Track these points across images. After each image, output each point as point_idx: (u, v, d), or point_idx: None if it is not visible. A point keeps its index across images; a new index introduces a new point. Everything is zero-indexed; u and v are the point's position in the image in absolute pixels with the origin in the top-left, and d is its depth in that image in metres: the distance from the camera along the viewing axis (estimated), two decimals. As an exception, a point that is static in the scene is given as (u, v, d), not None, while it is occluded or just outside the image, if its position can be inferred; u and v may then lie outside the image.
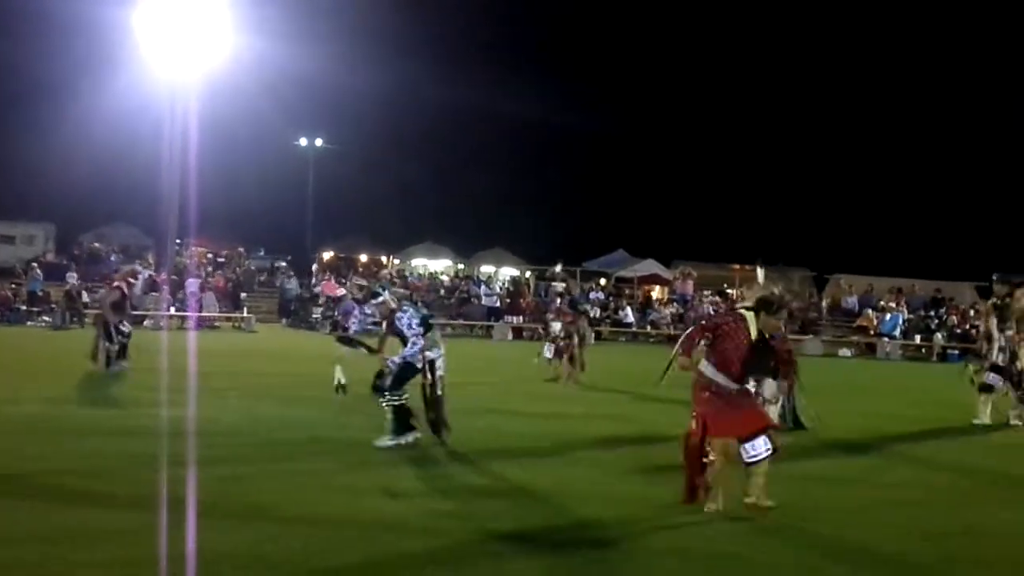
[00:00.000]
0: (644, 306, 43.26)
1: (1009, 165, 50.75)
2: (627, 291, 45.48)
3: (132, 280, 22.80)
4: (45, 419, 12.58)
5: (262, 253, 52.01)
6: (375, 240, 51.67)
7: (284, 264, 49.19)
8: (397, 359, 11.52)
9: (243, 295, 38.19)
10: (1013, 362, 15.56)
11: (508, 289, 42.24)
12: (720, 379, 8.53)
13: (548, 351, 20.25)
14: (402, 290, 11.33)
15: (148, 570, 6.52)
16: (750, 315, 8.63)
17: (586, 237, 53.44)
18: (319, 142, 54.36)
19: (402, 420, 11.30)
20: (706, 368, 8.58)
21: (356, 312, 12.74)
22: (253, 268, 45.76)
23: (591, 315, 34.72)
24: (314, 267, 46.04)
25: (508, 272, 49.49)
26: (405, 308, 11.83)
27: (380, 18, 50.09)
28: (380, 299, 11.99)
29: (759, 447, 8.34)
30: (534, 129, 56.38)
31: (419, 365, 11.46)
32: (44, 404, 13.84)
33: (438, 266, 51.23)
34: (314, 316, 36.54)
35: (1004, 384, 15.61)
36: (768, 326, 8.62)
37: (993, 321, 15.80)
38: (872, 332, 37.48)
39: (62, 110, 44.13)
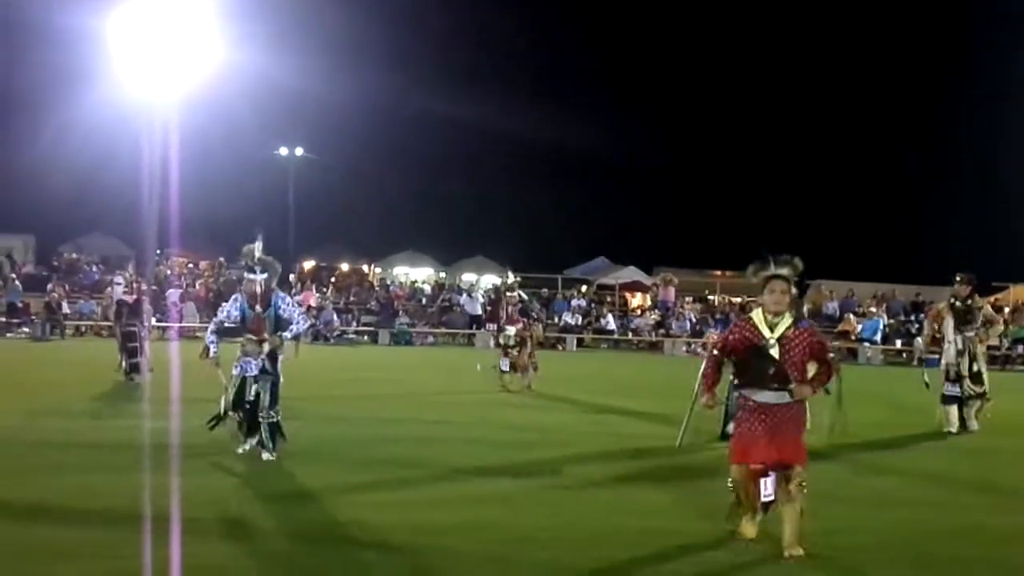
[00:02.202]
0: (625, 313, 43.37)
1: (989, 171, 50.98)
2: (608, 298, 45.56)
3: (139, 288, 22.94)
4: (25, 431, 12.53)
5: (243, 263, 51.81)
6: (356, 249, 51.66)
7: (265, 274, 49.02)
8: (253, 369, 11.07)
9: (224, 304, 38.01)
10: (971, 364, 15.38)
11: (490, 297, 42.25)
12: (748, 392, 7.75)
13: (504, 364, 20.23)
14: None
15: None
16: (757, 311, 7.80)
17: (567, 245, 53.51)
18: (299, 151, 54.26)
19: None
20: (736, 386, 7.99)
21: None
22: (234, 278, 45.58)
23: (544, 320, 34.96)
24: (291, 277, 45.94)
25: (490, 280, 49.50)
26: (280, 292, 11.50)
27: (360, 29, 50.02)
28: (259, 275, 11.36)
29: (770, 487, 7.55)
30: (515, 138, 56.25)
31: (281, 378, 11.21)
32: (24, 417, 13.77)
33: (419, 275, 51.21)
34: (295, 325, 36.44)
35: (964, 390, 15.36)
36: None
37: (950, 323, 15.55)
38: (853, 337, 37.59)
39: (39, 120, 43.92)
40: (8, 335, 32.63)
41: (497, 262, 50.27)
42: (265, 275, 11.06)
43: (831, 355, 7.78)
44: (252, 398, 10.90)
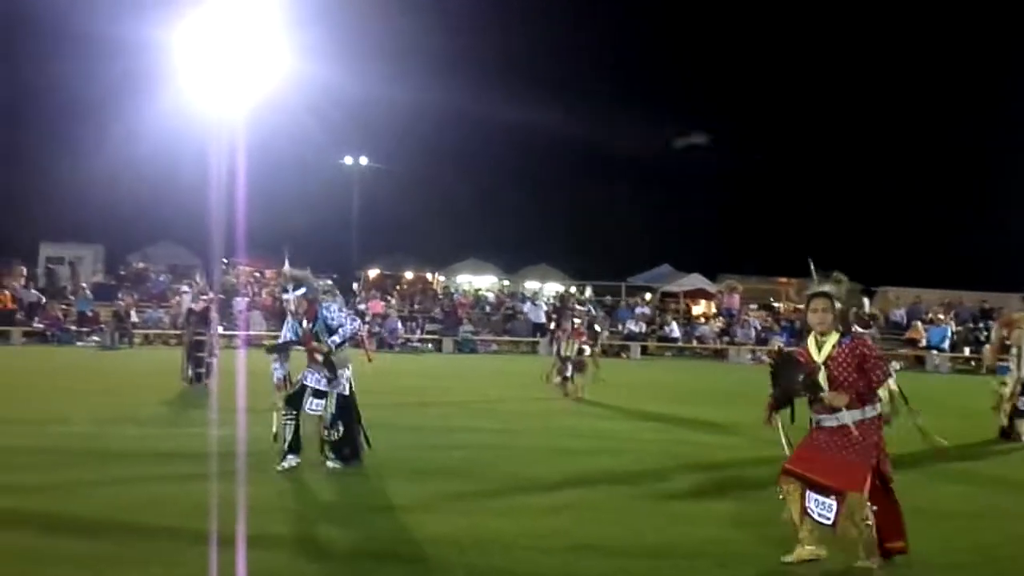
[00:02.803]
0: (689, 320, 43.12)
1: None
2: (672, 306, 45.34)
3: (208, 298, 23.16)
4: (94, 439, 12.67)
5: (308, 271, 52.13)
6: (420, 258, 51.87)
7: (330, 282, 49.29)
8: (314, 382, 10.97)
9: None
10: None
11: (554, 305, 42.18)
12: (812, 413, 7.59)
13: (567, 372, 20.30)
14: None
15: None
16: (812, 334, 7.65)
17: (631, 252, 53.32)
18: (364, 160, 54.54)
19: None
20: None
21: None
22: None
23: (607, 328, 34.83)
24: (355, 285, 46.16)
25: (553, 288, 49.48)
26: (329, 299, 11.46)
27: (423, 38, 50.24)
28: (299, 292, 11.23)
29: (823, 507, 7.23)
30: (578, 144, 56.39)
31: (347, 392, 11.07)
32: (94, 424, 13.93)
33: (483, 283, 51.31)
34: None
35: None
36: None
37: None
38: (920, 344, 37.09)
39: (110, 131, 44.53)
40: (78, 343, 33.02)
41: (560, 270, 50.36)
42: (300, 291, 11.03)
43: (879, 361, 7.47)
44: (310, 410, 10.91)
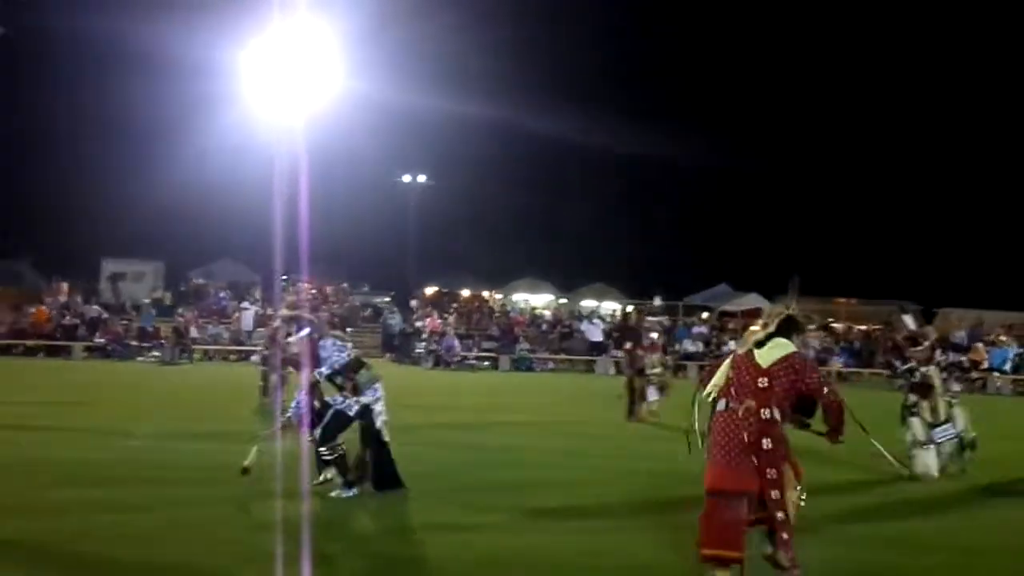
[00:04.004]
0: (748, 340, 42.79)
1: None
2: (730, 325, 45.04)
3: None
4: (156, 453, 12.80)
5: (366, 289, 52.44)
6: (477, 275, 51.95)
7: (387, 299, 49.53)
8: (334, 402, 10.70)
9: (348, 330, 38.59)
10: None
11: (616, 323, 42.04)
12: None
13: (652, 394, 19.57)
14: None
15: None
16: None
17: (688, 271, 53.08)
18: (421, 178, 54.78)
19: (345, 470, 10.63)
20: None
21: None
22: (357, 303, 46.18)
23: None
24: (413, 303, 46.31)
25: (609, 306, 49.36)
26: (327, 337, 10.99)
27: (481, 56, 50.48)
28: (304, 332, 10.94)
29: None
30: (635, 163, 56.32)
31: (351, 413, 10.66)
32: (154, 439, 14.07)
33: (539, 301, 51.27)
34: (417, 351, 36.86)
35: None
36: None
37: None
38: (982, 367, 36.57)
39: (171, 149, 45.13)
40: (139, 359, 33.39)
41: (617, 288, 50.22)
42: (304, 332, 10.94)
43: None
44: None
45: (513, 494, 10.93)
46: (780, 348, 7.34)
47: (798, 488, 7.36)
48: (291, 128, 31.11)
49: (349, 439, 10.72)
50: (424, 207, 55.26)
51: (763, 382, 7.23)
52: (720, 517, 7.10)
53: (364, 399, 10.67)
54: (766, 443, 7.14)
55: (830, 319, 46.90)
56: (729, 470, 7.16)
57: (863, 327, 44.16)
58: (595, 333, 39.22)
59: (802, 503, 7.42)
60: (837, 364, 38.16)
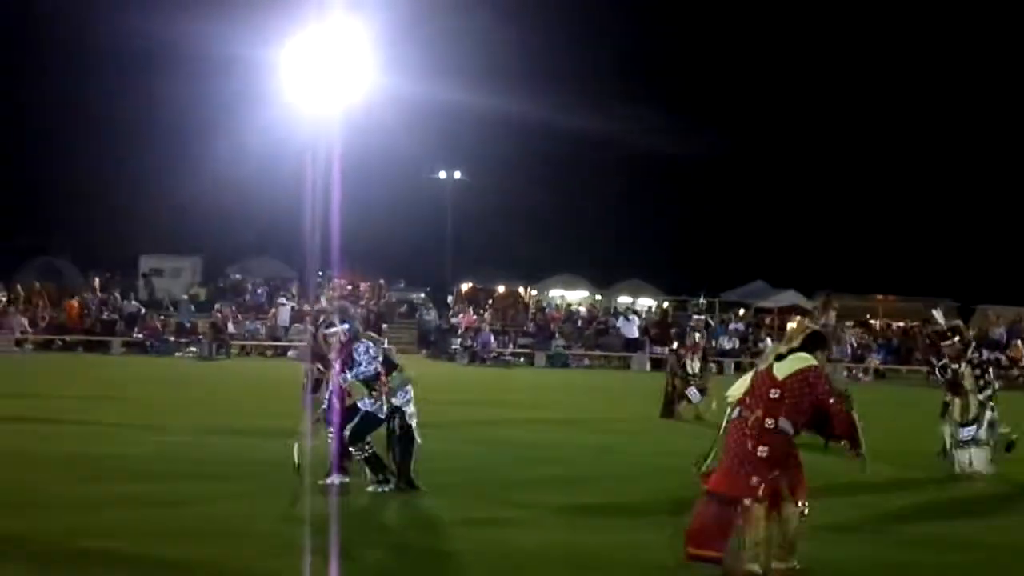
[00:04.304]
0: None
1: None
2: (767, 321, 44.78)
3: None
4: (193, 448, 12.85)
5: (402, 285, 52.54)
6: (512, 272, 51.91)
7: (423, 296, 49.63)
8: (364, 405, 10.51)
9: (384, 326, 38.74)
10: None
11: (654, 319, 41.89)
12: None
13: (694, 395, 19.29)
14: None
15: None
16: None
17: (725, 268, 52.80)
18: (457, 175, 54.79)
19: (378, 467, 10.54)
20: None
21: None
22: (393, 300, 46.25)
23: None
24: (448, 299, 46.33)
25: (645, 303, 49.22)
26: (363, 340, 10.84)
27: (516, 52, 50.47)
28: (333, 330, 10.84)
29: None
30: (673, 160, 56.06)
31: (381, 415, 10.53)
32: (192, 434, 14.12)
33: (575, 297, 51.18)
34: (452, 347, 36.88)
35: None
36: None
37: None
38: (1022, 364, 36.21)
39: (209, 146, 45.41)
40: (176, 354, 33.57)
41: (653, 285, 50.08)
42: (346, 326, 10.86)
43: None
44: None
45: (549, 490, 10.91)
46: (799, 362, 7.45)
47: (800, 504, 7.38)
48: (327, 125, 31.21)
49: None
50: (459, 203, 55.30)
51: (775, 393, 7.37)
52: (706, 515, 7.34)
53: (395, 401, 10.59)
54: (762, 451, 7.26)
55: (868, 316, 46.62)
56: (729, 476, 7.32)
57: (901, 324, 43.86)
58: (631, 330, 39.09)
59: (804, 515, 7.42)
60: (875, 361, 37.95)
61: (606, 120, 51.31)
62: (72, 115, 48.93)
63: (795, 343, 7.59)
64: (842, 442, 7.52)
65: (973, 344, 13.59)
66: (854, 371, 35.94)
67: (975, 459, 12.70)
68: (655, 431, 17.25)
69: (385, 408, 10.52)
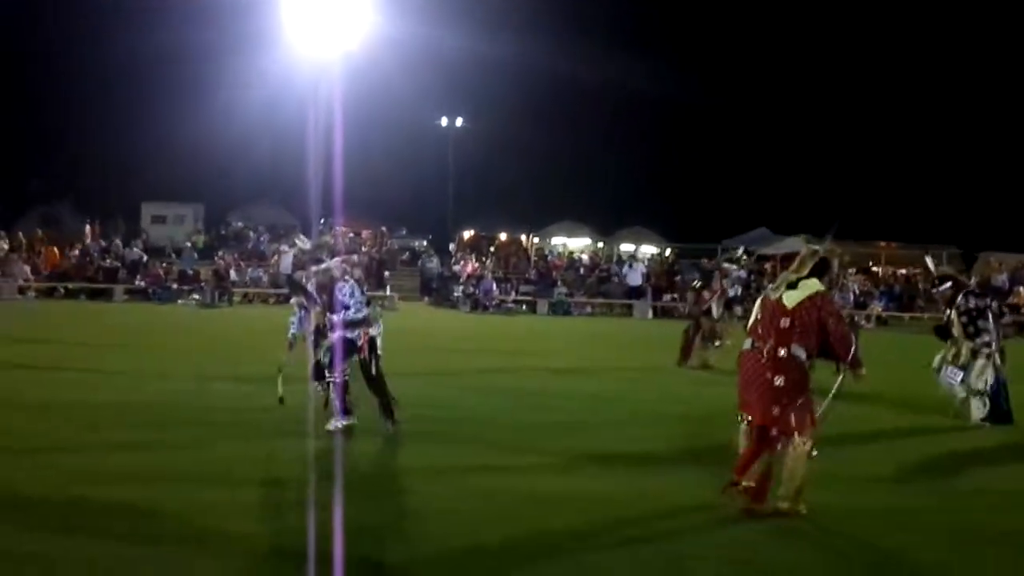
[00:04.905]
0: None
1: None
2: (767, 268, 44.71)
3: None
4: (197, 396, 12.85)
5: (404, 232, 52.49)
6: (514, 219, 51.86)
7: (425, 243, 49.59)
8: (336, 334, 10.57)
9: (386, 274, 38.73)
10: None
11: (654, 268, 41.85)
12: None
13: (715, 340, 18.87)
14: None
15: (298, 538, 6.66)
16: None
17: (727, 215, 52.71)
18: (459, 122, 54.58)
19: (346, 394, 10.60)
20: None
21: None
22: (396, 247, 46.22)
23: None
24: (451, 246, 46.30)
25: (648, 250, 49.17)
26: (347, 279, 10.80)
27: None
28: (323, 266, 10.89)
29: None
30: (674, 107, 55.79)
31: (359, 342, 10.60)
32: (194, 381, 14.12)
33: (577, 244, 51.17)
34: (455, 294, 36.85)
35: None
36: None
37: None
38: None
39: (210, 92, 45.25)
40: (179, 301, 33.54)
41: (656, 232, 50.01)
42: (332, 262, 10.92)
43: None
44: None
45: (554, 437, 10.93)
46: (808, 288, 7.67)
47: (808, 443, 7.49)
48: (327, 70, 31.00)
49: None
50: (462, 150, 55.19)
51: (785, 322, 7.57)
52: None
53: (371, 332, 10.69)
54: (779, 380, 7.47)
55: (870, 263, 46.54)
56: (754, 406, 7.66)
57: (903, 271, 43.78)
58: (634, 277, 39.04)
59: (813, 455, 7.54)
60: (877, 308, 37.90)
61: (609, 66, 50.99)
62: (74, 64, 48.76)
63: (804, 270, 7.78)
64: (841, 364, 7.75)
65: (965, 291, 13.37)
66: (856, 318, 35.86)
67: (974, 409, 12.65)
68: (658, 378, 17.23)
69: (362, 338, 10.61)
